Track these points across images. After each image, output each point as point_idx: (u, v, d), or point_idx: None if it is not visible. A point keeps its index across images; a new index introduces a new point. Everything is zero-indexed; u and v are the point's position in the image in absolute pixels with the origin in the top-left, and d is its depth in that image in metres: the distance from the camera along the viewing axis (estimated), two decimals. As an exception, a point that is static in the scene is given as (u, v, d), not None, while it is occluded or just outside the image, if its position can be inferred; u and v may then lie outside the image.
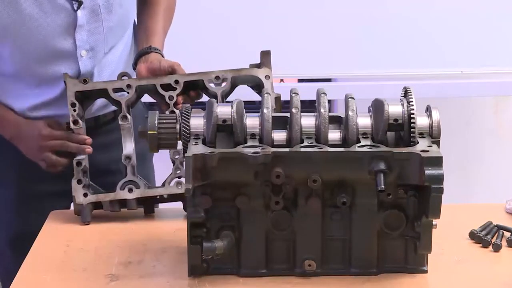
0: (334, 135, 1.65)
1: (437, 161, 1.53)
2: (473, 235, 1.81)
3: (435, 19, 3.25)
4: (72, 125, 1.94)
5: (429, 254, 1.66)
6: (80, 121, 1.94)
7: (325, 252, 1.64)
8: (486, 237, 1.80)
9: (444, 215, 1.58)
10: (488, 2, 3.27)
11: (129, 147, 1.96)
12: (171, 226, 1.88)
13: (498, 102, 3.68)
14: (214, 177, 1.57)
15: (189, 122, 1.65)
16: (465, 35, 3.25)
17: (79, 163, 1.94)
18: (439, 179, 1.52)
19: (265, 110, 1.62)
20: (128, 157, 1.95)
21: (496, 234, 1.82)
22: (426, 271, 1.66)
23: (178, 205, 1.96)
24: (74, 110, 1.94)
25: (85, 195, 1.93)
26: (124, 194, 1.94)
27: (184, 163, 1.59)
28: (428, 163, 1.53)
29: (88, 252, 1.78)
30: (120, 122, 1.95)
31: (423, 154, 1.54)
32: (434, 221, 1.61)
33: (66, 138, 1.96)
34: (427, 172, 1.53)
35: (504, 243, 1.79)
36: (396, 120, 1.62)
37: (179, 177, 1.96)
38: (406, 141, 1.62)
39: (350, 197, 1.60)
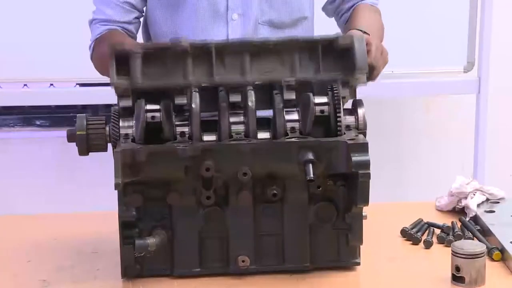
0: (264, 134, 1.66)
1: (363, 148, 1.56)
2: (404, 233, 1.84)
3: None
4: None
5: (361, 252, 1.67)
6: None
7: (258, 248, 1.65)
8: (416, 234, 1.82)
9: (376, 214, 1.61)
10: (419, 3, 3.32)
11: None
12: (105, 229, 1.86)
13: (429, 102, 3.71)
14: (144, 173, 1.56)
15: (118, 123, 1.65)
16: (395, 35, 3.28)
17: None
18: (366, 164, 1.55)
19: (193, 105, 1.62)
20: None
21: (427, 231, 1.85)
22: (359, 263, 1.67)
23: (111, 207, 1.94)
24: None
25: None
26: None
27: None
28: (354, 149, 1.56)
29: (19, 258, 1.75)
30: None
31: (350, 142, 1.57)
32: (364, 212, 1.62)
33: None
34: (353, 158, 1.55)
35: (434, 239, 1.81)
36: (322, 111, 1.64)
37: None
38: (333, 134, 1.65)
39: (281, 190, 1.61)
